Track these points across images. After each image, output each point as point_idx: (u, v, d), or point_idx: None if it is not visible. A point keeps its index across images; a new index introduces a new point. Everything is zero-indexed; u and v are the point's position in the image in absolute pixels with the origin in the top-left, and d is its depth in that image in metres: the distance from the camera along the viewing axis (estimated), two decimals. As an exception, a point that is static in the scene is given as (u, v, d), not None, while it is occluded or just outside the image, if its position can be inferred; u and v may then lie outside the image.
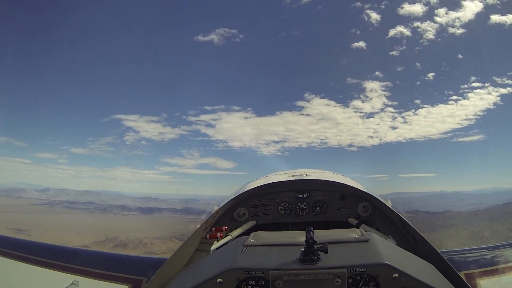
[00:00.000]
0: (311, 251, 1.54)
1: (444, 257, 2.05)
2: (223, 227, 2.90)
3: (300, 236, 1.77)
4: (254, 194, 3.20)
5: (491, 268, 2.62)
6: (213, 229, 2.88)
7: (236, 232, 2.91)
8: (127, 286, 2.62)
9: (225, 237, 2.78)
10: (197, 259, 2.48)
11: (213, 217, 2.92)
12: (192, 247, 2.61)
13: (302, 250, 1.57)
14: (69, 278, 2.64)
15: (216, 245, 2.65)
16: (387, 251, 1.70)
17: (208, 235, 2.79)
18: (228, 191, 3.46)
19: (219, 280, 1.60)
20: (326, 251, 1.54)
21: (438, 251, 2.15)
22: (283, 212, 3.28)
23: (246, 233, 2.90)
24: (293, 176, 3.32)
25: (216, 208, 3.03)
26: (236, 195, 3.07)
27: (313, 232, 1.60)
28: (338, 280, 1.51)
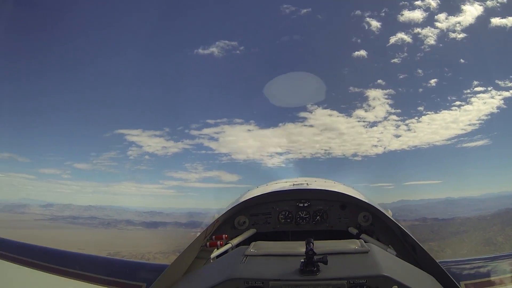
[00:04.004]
0: (311, 262, 1.55)
1: (444, 268, 2.05)
2: (223, 235, 2.89)
3: (300, 247, 1.76)
4: (255, 202, 3.21)
5: (490, 278, 2.62)
6: (213, 237, 2.88)
7: (236, 240, 2.92)
8: None
9: (225, 245, 2.78)
10: (197, 267, 2.49)
11: (214, 225, 2.93)
12: (192, 255, 2.61)
13: (302, 261, 1.57)
14: (68, 282, 2.62)
15: (216, 253, 2.65)
16: (387, 262, 1.70)
17: (208, 243, 2.79)
18: (233, 204, 3.47)
19: None
20: (326, 263, 1.54)
21: (438, 261, 2.15)
22: (283, 221, 3.27)
23: (246, 241, 2.93)
24: (294, 185, 3.34)
25: (216, 216, 3.04)
26: (237, 204, 3.08)
27: (313, 243, 1.61)
28: None
